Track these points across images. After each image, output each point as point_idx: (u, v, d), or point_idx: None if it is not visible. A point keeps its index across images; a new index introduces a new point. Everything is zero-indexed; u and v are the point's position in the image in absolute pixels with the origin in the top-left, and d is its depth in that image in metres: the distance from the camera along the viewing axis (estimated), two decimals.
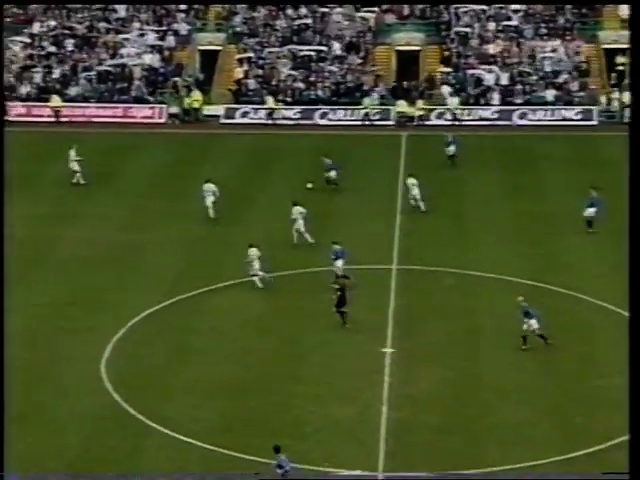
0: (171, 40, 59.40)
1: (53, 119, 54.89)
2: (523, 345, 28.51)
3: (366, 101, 54.60)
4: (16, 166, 46.25)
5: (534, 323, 28.42)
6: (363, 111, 54.46)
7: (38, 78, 57.54)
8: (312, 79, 57.23)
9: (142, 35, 59.58)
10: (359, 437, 24.34)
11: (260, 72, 57.62)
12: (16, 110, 56.04)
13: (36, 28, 60.15)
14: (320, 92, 56.72)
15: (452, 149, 46.02)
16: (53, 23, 60.36)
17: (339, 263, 32.96)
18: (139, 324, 30.43)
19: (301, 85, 56.90)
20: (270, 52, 58.58)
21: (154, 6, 61.04)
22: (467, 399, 26.28)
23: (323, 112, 55.42)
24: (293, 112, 55.44)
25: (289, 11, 60.67)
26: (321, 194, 42.72)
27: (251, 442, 23.92)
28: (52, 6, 61.11)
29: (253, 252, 32.91)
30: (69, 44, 59.11)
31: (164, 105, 56.01)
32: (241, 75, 57.55)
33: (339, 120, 55.07)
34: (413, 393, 26.41)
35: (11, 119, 55.18)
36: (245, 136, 52.49)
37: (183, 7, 60.92)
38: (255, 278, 32.88)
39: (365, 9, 60.70)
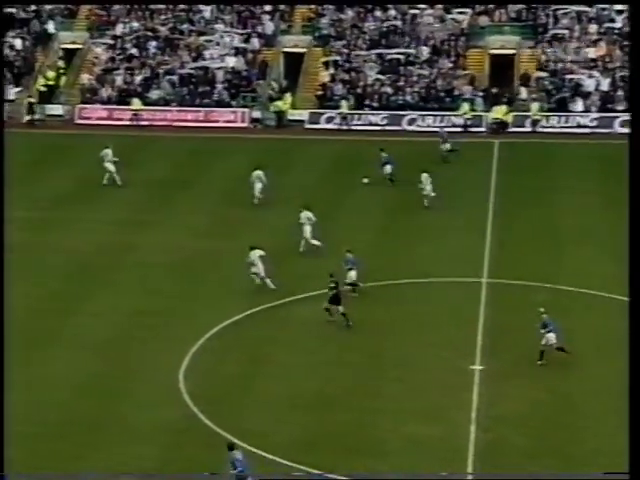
0: (255, 42, 60.02)
1: (133, 122, 55.91)
2: (539, 360, 28.33)
3: (465, 106, 54.33)
4: (97, 170, 47.30)
5: (552, 337, 28.27)
6: (461, 117, 54.20)
7: (120, 81, 58.70)
8: (400, 83, 57.23)
9: (226, 37, 60.34)
10: (445, 458, 24.16)
11: (346, 76, 57.85)
12: (97, 113, 57.27)
13: (119, 30, 61.41)
14: (408, 97, 56.68)
15: (447, 146, 47.69)
16: (136, 25, 61.55)
17: (352, 273, 33.01)
18: (218, 334, 30.75)
19: (389, 90, 56.93)
20: (357, 55, 58.78)
21: (238, 7, 61.80)
22: (561, 422, 25.89)
23: (411, 118, 55.38)
24: (380, 118, 55.53)
25: (377, 13, 60.81)
26: (409, 204, 42.71)
27: (332, 459, 23.95)
28: (135, 7, 62.35)
29: (255, 254, 33.35)
30: (151, 46, 60.20)
31: (247, 109, 56.64)
32: (327, 79, 57.84)
33: (428, 126, 54.95)
34: (503, 413, 26.15)
35: (92, 122, 56.53)
36: (330, 142, 52.74)
37: (268, 8, 61.53)
38: (255, 277, 33.25)
39: (457, 11, 60.52)
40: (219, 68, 58.55)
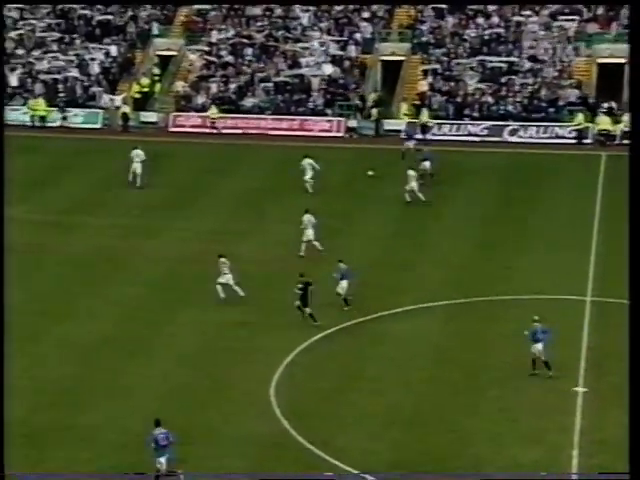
0: (352, 50, 60.17)
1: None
2: (533, 370, 28.28)
3: (579, 117, 53.59)
4: (190, 178, 48.03)
5: (539, 347, 28.26)
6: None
7: (214, 88, 59.40)
8: (502, 93, 56.71)
9: (322, 44, 60.62)
10: None
11: (446, 85, 57.58)
12: (191, 121, 58.01)
13: (214, 36, 62.20)
14: (510, 107, 56.13)
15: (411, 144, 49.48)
16: (232, 31, 62.27)
17: (344, 284, 33.17)
18: (310, 348, 30.78)
19: (490, 99, 56.48)
20: (457, 63, 58.47)
21: (336, 14, 62.08)
22: None
23: (513, 129, 54.82)
24: (480, 128, 55.11)
25: (480, 20, 60.45)
26: (510, 217, 42.27)
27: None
28: (231, 14, 63.11)
29: (223, 261, 33.98)
30: (247, 54, 60.82)
31: (342, 118, 56.76)
32: (425, 88, 57.65)
33: (530, 137, 54.36)
34: (607, 438, 25.56)
35: (186, 130, 57.32)
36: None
37: (366, 15, 61.70)
38: (219, 287, 33.77)
39: (564, 18, 59.76)
40: (315, 76, 58.81)
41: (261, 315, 33.23)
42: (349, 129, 56.52)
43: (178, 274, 36.80)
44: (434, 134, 55.31)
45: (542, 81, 56.84)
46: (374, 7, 62.12)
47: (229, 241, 40.10)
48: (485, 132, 54.92)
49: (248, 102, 58.34)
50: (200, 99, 58.76)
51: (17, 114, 58.10)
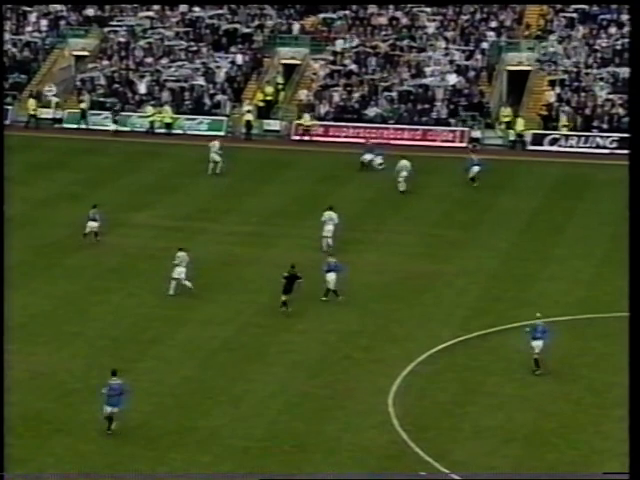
0: (478, 60, 59.82)
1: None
2: (536, 368, 28.98)
3: None
4: (311, 186, 48.42)
5: (537, 346, 28.71)
6: None
7: (337, 97, 59.80)
8: None
9: (447, 54, 60.44)
10: None
11: (574, 96, 56.71)
12: (313, 130, 58.42)
13: (339, 46, 62.62)
14: None
15: (367, 157, 49.63)
16: (356, 41, 62.59)
17: (331, 276, 33.68)
18: (430, 359, 30.65)
19: (620, 111, 55.36)
20: (587, 74, 57.51)
21: (462, 23, 61.85)
22: None
23: None
24: (609, 140, 54.10)
25: (612, 30, 59.37)
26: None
27: None
28: (357, 23, 63.47)
29: (181, 256, 34.43)
30: (371, 63, 61.04)
31: (466, 128, 56.46)
32: (552, 99, 56.91)
33: None
34: None
35: (308, 138, 57.82)
36: (553, 164, 51.81)
37: (493, 25, 61.30)
38: (173, 282, 34.32)
39: None
40: (439, 86, 58.64)
41: (382, 324, 33.25)
42: (472, 139, 56.17)
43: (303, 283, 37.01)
44: (560, 145, 54.53)
45: None
46: (501, 16, 61.67)
47: (348, 250, 40.23)
48: (614, 145, 53.88)
49: (371, 111, 58.53)
50: (322, 108, 59.22)
51: (143, 121, 59.56)
